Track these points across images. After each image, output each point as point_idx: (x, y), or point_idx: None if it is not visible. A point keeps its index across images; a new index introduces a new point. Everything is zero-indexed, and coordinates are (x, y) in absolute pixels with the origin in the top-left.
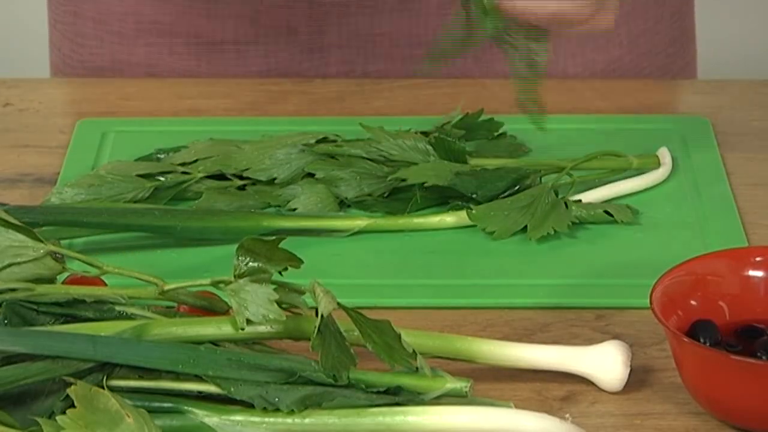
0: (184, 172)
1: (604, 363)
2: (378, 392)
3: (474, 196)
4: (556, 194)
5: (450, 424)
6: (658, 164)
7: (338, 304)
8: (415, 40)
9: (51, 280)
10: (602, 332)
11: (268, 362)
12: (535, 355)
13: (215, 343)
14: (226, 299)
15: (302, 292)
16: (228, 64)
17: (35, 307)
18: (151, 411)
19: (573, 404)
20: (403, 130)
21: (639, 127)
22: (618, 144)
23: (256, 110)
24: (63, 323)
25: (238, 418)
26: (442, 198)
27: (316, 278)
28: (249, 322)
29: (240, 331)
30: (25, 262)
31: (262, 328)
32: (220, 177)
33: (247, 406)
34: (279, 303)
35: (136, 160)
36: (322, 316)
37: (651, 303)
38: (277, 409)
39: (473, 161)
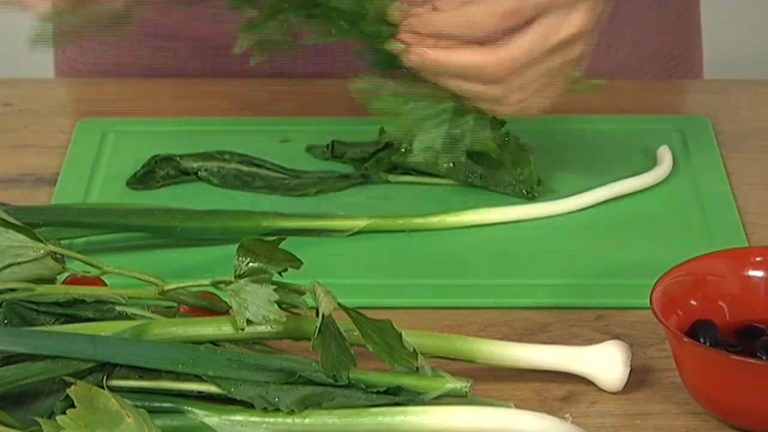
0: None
1: (604, 363)
2: (378, 392)
3: None
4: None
5: (450, 424)
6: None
7: (338, 304)
8: None
9: (51, 280)
10: (602, 332)
11: (268, 362)
12: (535, 355)
13: (215, 343)
14: (226, 299)
15: (302, 293)
16: (230, 63)
17: (35, 307)
18: (151, 411)
19: (573, 404)
20: None
21: (639, 127)
22: (618, 144)
23: (256, 110)
24: (63, 323)
25: (238, 418)
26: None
27: (316, 278)
28: (249, 322)
29: (240, 331)
30: (25, 262)
31: (262, 328)
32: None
33: (247, 406)
34: (279, 303)
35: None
36: (323, 316)
37: (651, 303)
38: (277, 409)
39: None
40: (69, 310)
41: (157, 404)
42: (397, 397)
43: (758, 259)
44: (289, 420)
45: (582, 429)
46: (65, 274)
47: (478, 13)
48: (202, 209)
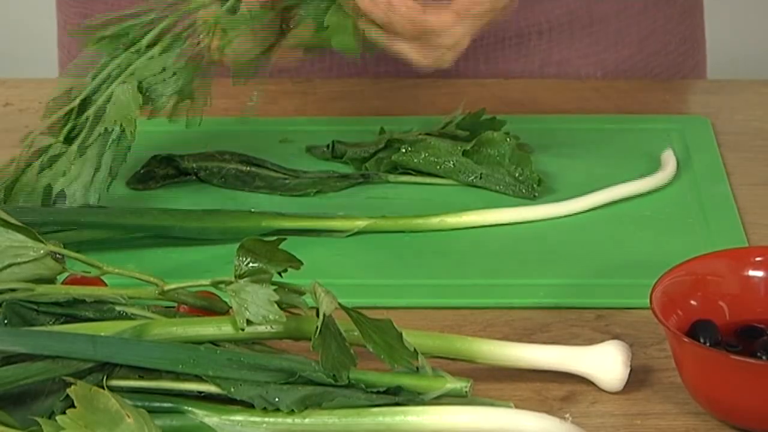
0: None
1: (604, 363)
2: (378, 392)
3: None
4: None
5: (450, 424)
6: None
7: (339, 304)
8: None
9: (51, 280)
10: (602, 332)
11: (268, 362)
12: (535, 355)
13: (215, 343)
14: (226, 299)
15: (302, 293)
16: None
17: (35, 307)
18: (151, 411)
19: (573, 404)
20: (404, 130)
21: (639, 127)
22: (618, 144)
23: (256, 110)
24: (63, 323)
25: (238, 418)
26: None
27: (317, 278)
28: (249, 322)
29: (240, 331)
30: (25, 262)
31: (262, 329)
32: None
33: (247, 406)
34: (279, 303)
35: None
36: (323, 316)
37: (651, 303)
38: (277, 409)
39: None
40: (69, 310)
41: (157, 404)
42: (397, 397)
43: (758, 259)
44: (289, 420)
45: (582, 429)
46: (65, 274)
47: None
48: (202, 209)
